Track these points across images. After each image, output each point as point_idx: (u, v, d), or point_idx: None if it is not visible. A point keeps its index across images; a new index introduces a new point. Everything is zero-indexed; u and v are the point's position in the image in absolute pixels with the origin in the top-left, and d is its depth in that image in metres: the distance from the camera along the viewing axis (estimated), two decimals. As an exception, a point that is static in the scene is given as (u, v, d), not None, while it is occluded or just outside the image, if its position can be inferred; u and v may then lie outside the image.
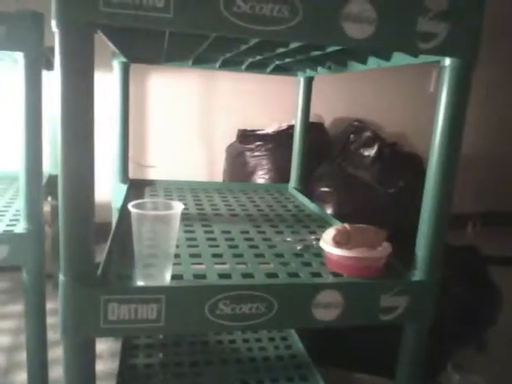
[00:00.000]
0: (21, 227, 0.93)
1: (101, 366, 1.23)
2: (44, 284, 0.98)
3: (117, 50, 1.10)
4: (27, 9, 0.85)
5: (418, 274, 0.70)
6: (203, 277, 0.70)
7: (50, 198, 1.59)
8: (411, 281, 0.70)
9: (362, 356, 1.23)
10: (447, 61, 0.64)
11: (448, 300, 1.23)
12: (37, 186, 0.92)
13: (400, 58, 0.77)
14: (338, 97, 2.48)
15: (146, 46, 1.10)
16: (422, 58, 0.69)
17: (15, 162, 0.96)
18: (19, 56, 0.86)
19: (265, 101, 2.40)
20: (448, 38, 0.61)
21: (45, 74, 1.06)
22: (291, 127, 2.03)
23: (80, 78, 0.54)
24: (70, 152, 0.55)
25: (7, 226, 0.98)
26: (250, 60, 1.15)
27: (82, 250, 0.58)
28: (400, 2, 0.60)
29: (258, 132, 2.23)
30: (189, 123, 2.36)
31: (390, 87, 2.58)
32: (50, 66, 1.44)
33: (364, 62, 0.91)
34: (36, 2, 1.05)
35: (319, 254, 0.80)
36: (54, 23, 0.52)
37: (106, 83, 1.37)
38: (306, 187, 1.43)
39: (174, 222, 0.64)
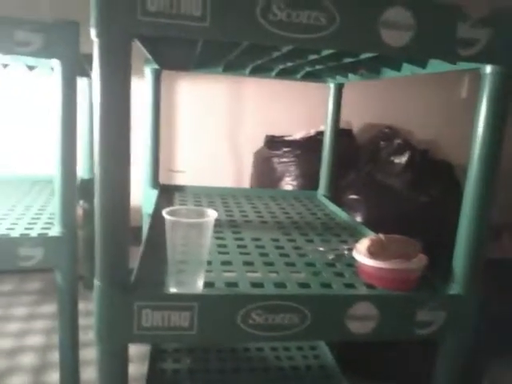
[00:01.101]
0: (55, 230, 0.95)
1: (130, 370, 1.24)
2: (77, 286, 1.00)
3: (150, 57, 1.11)
4: (64, 18, 0.88)
5: (455, 288, 0.67)
6: (235, 285, 0.69)
7: (81, 202, 1.62)
8: (448, 294, 0.68)
9: (394, 368, 1.20)
10: (488, 68, 0.62)
11: (484, 314, 1.19)
12: (71, 190, 0.94)
13: (437, 66, 0.75)
14: (367, 102, 2.45)
15: (179, 53, 1.11)
16: (461, 66, 0.67)
17: (50, 166, 0.98)
18: (55, 63, 0.88)
19: (293, 107, 2.39)
20: (489, 44, 0.60)
21: (79, 80, 1.08)
22: (319, 133, 2.01)
23: (118, 85, 0.55)
24: (107, 157, 0.56)
25: (42, 228, 1.00)
26: (281, 67, 1.14)
27: (117, 256, 0.59)
28: (439, 8, 0.59)
29: (286, 138, 2.22)
30: (217, 128, 2.37)
31: (420, 93, 2.53)
32: (84, 73, 1.47)
33: (398, 69, 0.89)
34: (70, 9, 1.08)
35: (351, 264, 0.79)
36: (93, 32, 0.53)
37: (138, 89, 1.39)
38: (335, 195, 1.41)
39: (207, 229, 0.64)
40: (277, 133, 2.30)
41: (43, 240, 0.94)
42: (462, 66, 0.67)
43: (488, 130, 0.63)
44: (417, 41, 0.58)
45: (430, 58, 0.76)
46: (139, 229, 1.30)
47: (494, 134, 0.63)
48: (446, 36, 0.59)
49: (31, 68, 1.39)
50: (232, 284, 0.70)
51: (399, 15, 0.57)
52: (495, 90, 0.62)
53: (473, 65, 0.63)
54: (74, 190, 0.95)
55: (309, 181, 1.93)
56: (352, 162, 2.07)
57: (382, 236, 0.70)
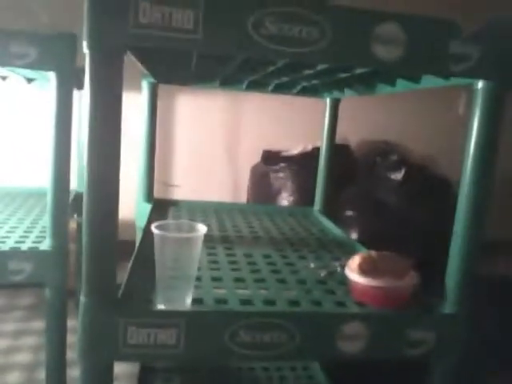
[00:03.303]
0: (46, 245, 0.93)
1: (118, 388, 1.21)
2: (66, 302, 0.98)
3: (145, 71, 1.12)
4: (61, 30, 0.88)
5: (447, 307, 0.66)
6: (224, 302, 0.68)
7: (75, 215, 1.61)
8: (440, 313, 0.66)
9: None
10: (480, 83, 0.62)
11: (477, 334, 1.18)
12: (63, 204, 0.93)
13: (430, 81, 0.75)
14: (364, 118, 2.46)
15: (175, 67, 1.11)
16: (454, 81, 0.67)
17: (44, 179, 0.97)
18: (52, 75, 0.88)
19: (290, 122, 2.40)
20: (481, 60, 0.59)
21: (75, 92, 1.08)
22: (316, 149, 2.01)
23: (109, 98, 0.55)
24: (96, 172, 0.55)
25: (33, 242, 0.99)
26: (277, 81, 1.15)
27: (104, 271, 0.57)
28: (431, 23, 0.59)
29: (283, 153, 2.22)
30: (214, 143, 2.38)
31: (417, 109, 2.54)
32: (81, 85, 1.48)
33: (393, 84, 0.89)
34: (69, 21, 1.08)
35: (343, 281, 0.78)
36: (85, 44, 0.53)
37: (135, 102, 1.39)
38: (331, 210, 1.40)
39: (196, 244, 0.63)
40: (274, 148, 2.30)
41: (33, 254, 0.92)
42: (455, 81, 0.67)
43: (481, 146, 0.63)
44: (409, 56, 0.58)
45: (422, 74, 0.76)
46: (133, 243, 1.28)
47: (487, 150, 0.63)
48: (438, 51, 0.59)
49: (30, 80, 1.39)
50: (221, 301, 0.68)
51: (391, 30, 0.57)
52: (487, 105, 0.62)
53: (465, 80, 0.63)
54: (66, 203, 0.94)
55: (305, 196, 1.92)
56: (349, 178, 2.07)
57: (373, 253, 0.69)
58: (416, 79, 0.79)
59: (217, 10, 0.53)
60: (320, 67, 0.79)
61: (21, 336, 1.48)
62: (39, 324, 1.52)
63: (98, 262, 0.57)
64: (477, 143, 0.62)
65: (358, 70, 0.79)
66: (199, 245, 0.64)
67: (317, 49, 0.56)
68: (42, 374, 1.05)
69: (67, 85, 0.90)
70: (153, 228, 0.62)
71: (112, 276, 0.58)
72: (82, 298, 0.57)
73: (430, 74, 0.71)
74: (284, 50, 0.55)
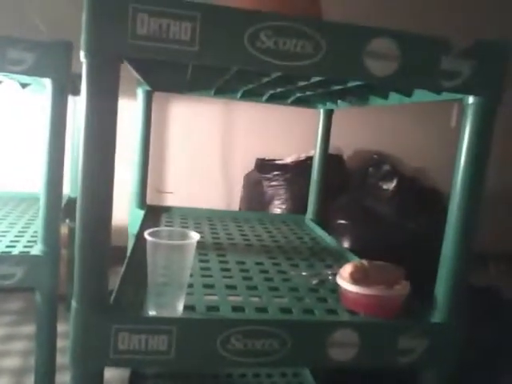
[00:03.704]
0: (37, 249, 0.93)
1: (108, 394, 1.21)
2: (56, 307, 0.98)
3: (141, 79, 1.12)
4: (57, 38, 0.89)
5: (438, 316, 0.67)
6: (216, 309, 0.68)
7: (68, 221, 1.60)
8: (431, 322, 0.67)
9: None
10: (470, 99, 0.63)
11: (467, 343, 1.19)
12: (55, 209, 0.93)
13: (422, 95, 0.76)
14: (357, 129, 2.48)
15: (170, 76, 1.12)
16: (445, 96, 0.69)
17: (37, 184, 0.97)
18: (47, 82, 0.89)
19: (284, 131, 2.42)
20: (472, 76, 0.61)
21: (70, 99, 1.09)
22: (309, 158, 2.03)
23: (104, 106, 0.56)
24: (90, 178, 0.56)
25: (24, 247, 0.99)
26: (271, 92, 1.16)
27: (96, 277, 0.58)
28: (424, 40, 0.60)
29: (277, 162, 2.24)
30: (208, 150, 2.38)
31: (410, 121, 2.57)
32: (76, 92, 1.48)
33: (385, 97, 0.91)
34: (65, 29, 1.09)
35: (335, 289, 0.79)
36: (82, 54, 0.54)
37: (129, 109, 1.39)
38: (323, 219, 1.41)
39: (188, 251, 0.64)
40: (268, 156, 2.31)
41: (24, 259, 0.92)
42: (446, 96, 0.68)
43: (471, 159, 0.64)
44: (401, 71, 0.59)
45: (414, 88, 0.77)
46: (125, 249, 1.28)
47: (477, 164, 0.64)
48: (430, 67, 0.60)
49: (24, 85, 1.39)
50: (213, 308, 0.69)
51: (384, 46, 0.59)
52: (478, 119, 0.63)
53: (456, 95, 0.64)
54: (58, 208, 0.95)
55: (298, 204, 1.93)
56: (341, 188, 2.09)
57: (365, 262, 0.70)
58: (408, 93, 0.80)
59: (213, 23, 0.54)
60: (314, 79, 0.80)
61: (10, 341, 1.47)
62: (29, 328, 1.51)
63: (90, 268, 0.58)
64: (467, 157, 0.64)
65: (352, 83, 0.80)
66: (192, 252, 0.64)
67: (311, 63, 0.57)
68: (31, 379, 1.04)
69: (62, 91, 0.90)
70: (146, 235, 0.63)
71: (104, 282, 0.59)
72: (74, 304, 0.58)
73: (421, 88, 0.73)
74: (279, 63, 0.56)
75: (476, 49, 0.61)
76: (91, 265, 0.58)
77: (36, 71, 0.87)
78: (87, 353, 0.58)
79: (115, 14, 0.53)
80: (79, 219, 0.57)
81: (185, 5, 0.54)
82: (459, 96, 0.64)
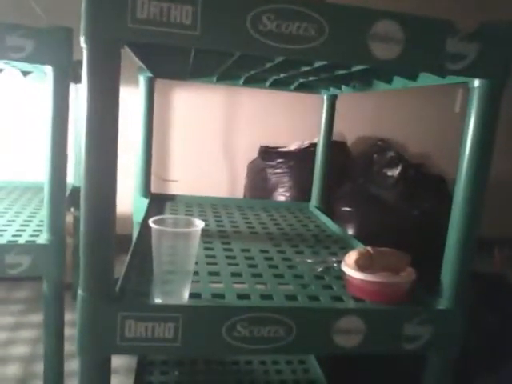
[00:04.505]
0: (43, 238, 0.94)
1: (116, 382, 1.22)
2: (63, 296, 0.98)
3: (143, 65, 1.11)
4: (57, 24, 0.87)
5: (443, 303, 0.67)
6: (221, 296, 0.68)
7: (72, 209, 1.61)
8: (436, 309, 0.67)
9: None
10: (476, 82, 0.62)
11: (473, 329, 1.19)
12: (60, 198, 0.93)
13: (427, 79, 0.75)
14: (361, 115, 2.46)
15: (172, 62, 1.11)
16: (450, 79, 0.68)
17: (41, 173, 0.97)
18: (48, 69, 0.88)
19: (288, 118, 2.40)
20: (477, 59, 0.60)
21: (72, 86, 1.08)
22: (313, 145, 2.02)
23: (106, 93, 0.55)
24: (93, 165, 0.56)
25: (30, 236, 0.99)
26: (274, 77, 1.15)
27: (102, 265, 0.58)
28: (429, 22, 0.59)
29: (280, 149, 2.23)
30: (212, 138, 2.38)
31: (414, 106, 2.55)
32: (78, 79, 1.47)
33: (389, 81, 0.90)
34: (67, 16, 1.08)
35: (340, 276, 0.78)
36: (82, 39, 0.53)
37: (133, 96, 1.39)
38: (328, 206, 1.41)
39: (194, 239, 0.64)
40: (271, 144, 2.30)
41: (30, 247, 0.92)
42: (451, 79, 0.67)
43: (476, 144, 0.63)
44: (406, 54, 0.58)
45: (418, 72, 0.76)
46: (129, 237, 1.29)
47: (483, 148, 0.63)
48: (435, 50, 0.59)
49: (25, 73, 1.38)
50: (218, 295, 0.69)
51: (388, 28, 0.57)
52: (483, 103, 0.62)
53: (462, 78, 0.63)
54: (63, 197, 0.94)
55: (302, 192, 1.93)
56: (345, 174, 2.08)
57: (370, 249, 0.69)
58: (413, 77, 0.79)
59: (215, 6, 0.53)
60: (317, 64, 0.79)
61: (18, 329, 1.49)
62: (36, 317, 1.53)
63: (95, 257, 0.58)
64: (473, 141, 0.63)
65: (356, 68, 0.79)
66: (197, 240, 0.64)
67: (314, 46, 0.56)
68: (39, 367, 1.05)
69: (64, 79, 0.90)
70: (150, 223, 0.63)
71: (110, 270, 0.59)
72: (80, 292, 0.58)
73: (426, 72, 0.72)
74: (282, 47, 0.55)
75: (482, 31, 0.60)
76: (97, 253, 0.57)
77: (36, 58, 0.86)
78: (94, 341, 0.59)
79: (115, -1, 0.52)
80: (84, 208, 0.56)
81: (185, -12, 0.53)
82: (465, 79, 0.63)
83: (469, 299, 0.67)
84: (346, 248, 0.97)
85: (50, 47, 0.85)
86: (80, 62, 0.59)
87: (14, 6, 1.77)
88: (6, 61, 0.94)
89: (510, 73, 0.61)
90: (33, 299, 1.70)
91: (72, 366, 1.11)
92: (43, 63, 0.87)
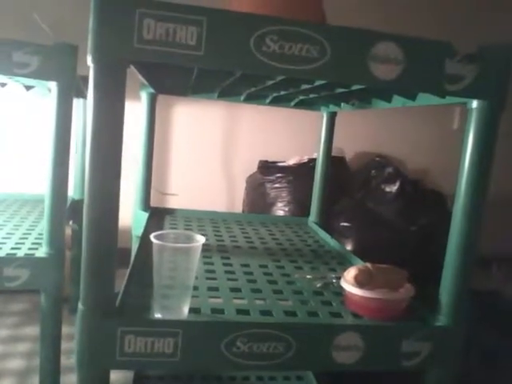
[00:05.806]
0: (42, 251, 0.94)
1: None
2: (61, 309, 0.98)
3: (146, 82, 1.13)
4: (63, 41, 0.89)
5: (442, 319, 0.67)
6: (221, 311, 0.69)
7: (71, 222, 1.61)
8: (435, 326, 0.67)
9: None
10: (474, 103, 0.63)
11: (471, 347, 1.19)
12: (61, 212, 0.94)
13: (426, 98, 0.77)
14: (360, 131, 2.48)
15: (174, 79, 1.12)
16: (449, 100, 0.69)
17: (41, 185, 0.98)
18: (52, 85, 0.89)
19: (287, 133, 2.42)
20: (475, 80, 0.61)
21: (75, 101, 1.09)
22: (312, 160, 2.03)
23: (111, 110, 0.56)
24: (97, 180, 0.56)
25: (29, 249, 0.99)
26: (275, 94, 1.16)
27: (102, 280, 0.58)
28: (428, 43, 0.60)
29: (279, 164, 2.24)
30: (211, 152, 2.39)
31: (412, 123, 2.57)
32: (80, 94, 1.49)
33: (389, 100, 0.91)
34: (72, 32, 1.10)
35: (339, 292, 0.79)
36: (89, 58, 0.54)
37: (133, 111, 1.40)
38: (326, 221, 1.41)
39: (194, 254, 0.64)
40: (270, 158, 2.31)
41: (29, 261, 0.92)
42: (450, 100, 0.68)
43: (474, 163, 0.64)
44: (405, 75, 0.60)
45: (418, 92, 0.78)
46: (127, 250, 1.29)
47: (481, 168, 0.64)
48: (434, 71, 0.61)
49: (28, 88, 1.40)
50: (218, 310, 0.69)
51: (388, 50, 0.59)
52: (481, 124, 0.63)
53: (460, 99, 0.64)
54: (63, 211, 0.95)
55: (301, 207, 1.93)
56: (344, 190, 2.09)
57: (369, 265, 0.70)
58: (412, 96, 0.81)
59: (219, 28, 0.55)
60: (318, 82, 0.81)
61: (14, 342, 1.47)
62: (32, 330, 1.52)
63: (96, 271, 0.58)
64: (471, 161, 0.64)
65: (355, 86, 0.80)
66: (197, 255, 0.65)
67: (316, 67, 0.57)
68: (35, 381, 1.04)
69: (67, 94, 0.91)
70: (152, 237, 0.63)
71: (110, 285, 0.59)
72: (80, 307, 0.58)
73: (425, 92, 0.73)
74: (284, 67, 0.57)
75: (480, 53, 0.61)
76: (97, 268, 0.58)
77: (41, 74, 0.87)
78: (94, 355, 0.59)
79: (122, 19, 0.53)
80: (86, 222, 0.57)
81: (191, 9, 0.54)
82: (463, 100, 0.64)
83: (467, 316, 0.68)
84: (344, 264, 0.98)
85: (55, 64, 0.87)
86: (83, 78, 0.60)
87: (21, 24, 1.79)
88: (10, 76, 0.95)
89: (508, 94, 0.63)
90: (28, 312, 1.69)
91: (68, 379, 1.10)
92: (48, 79, 0.89)
